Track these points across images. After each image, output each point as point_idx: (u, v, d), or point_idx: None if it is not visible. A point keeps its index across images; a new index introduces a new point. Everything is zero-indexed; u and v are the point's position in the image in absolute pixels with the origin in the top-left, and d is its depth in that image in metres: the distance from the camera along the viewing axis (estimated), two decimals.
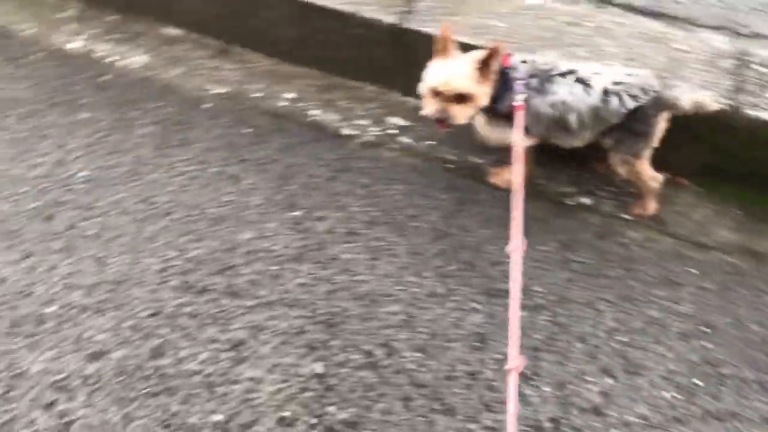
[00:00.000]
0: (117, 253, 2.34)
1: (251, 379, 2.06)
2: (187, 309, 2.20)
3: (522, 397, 2.01)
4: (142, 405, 2.00)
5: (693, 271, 2.29)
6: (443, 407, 2.00)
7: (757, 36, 2.60)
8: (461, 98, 2.15)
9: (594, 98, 2.09)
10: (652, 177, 2.31)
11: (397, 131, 2.72)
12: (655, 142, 2.22)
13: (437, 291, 2.24)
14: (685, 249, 2.34)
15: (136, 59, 2.96)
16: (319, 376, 2.06)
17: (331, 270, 2.29)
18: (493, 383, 2.04)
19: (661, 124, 2.19)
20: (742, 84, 2.35)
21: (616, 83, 2.09)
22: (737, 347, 2.11)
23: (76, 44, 3.02)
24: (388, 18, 2.52)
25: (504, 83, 2.17)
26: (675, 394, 2.02)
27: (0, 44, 3.02)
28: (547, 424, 1.94)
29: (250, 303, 2.21)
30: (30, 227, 2.40)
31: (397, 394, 2.02)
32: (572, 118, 2.14)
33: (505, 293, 2.19)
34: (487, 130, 2.35)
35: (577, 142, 2.25)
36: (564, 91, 2.11)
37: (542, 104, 2.15)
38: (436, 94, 2.16)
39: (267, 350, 2.11)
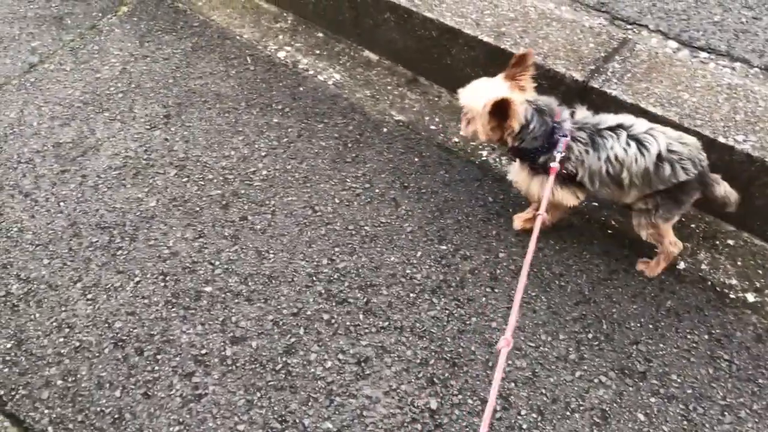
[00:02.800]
0: (276, 250, 2.51)
1: (368, 397, 2.13)
2: (325, 316, 2.32)
3: None
4: (265, 396, 2.14)
5: None
6: None
7: None
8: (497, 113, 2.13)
9: (647, 161, 2.04)
10: (674, 242, 2.28)
11: None
12: (687, 209, 2.28)
13: (569, 356, 2.19)
14: None
15: (332, 76, 3.16)
16: (432, 412, 2.09)
17: (466, 310, 2.31)
18: None
19: (696, 196, 2.17)
20: None
21: (670, 151, 2.04)
22: None
23: (282, 54, 3.29)
24: (576, 74, 2.50)
25: (551, 138, 2.15)
26: None
27: (218, 44, 3.36)
28: None
29: (382, 324, 2.29)
30: (208, 211, 2.65)
31: None
32: (624, 175, 2.10)
33: (641, 375, 2.12)
34: (524, 183, 2.30)
35: (625, 199, 2.22)
36: (618, 148, 2.07)
37: (596, 161, 2.11)
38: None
39: (389, 373, 2.18)
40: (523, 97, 2.14)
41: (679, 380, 2.12)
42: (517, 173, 2.32)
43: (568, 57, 2.58)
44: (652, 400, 2.08)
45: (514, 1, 2.86)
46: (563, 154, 2.11)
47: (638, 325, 2.24)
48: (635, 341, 2.21)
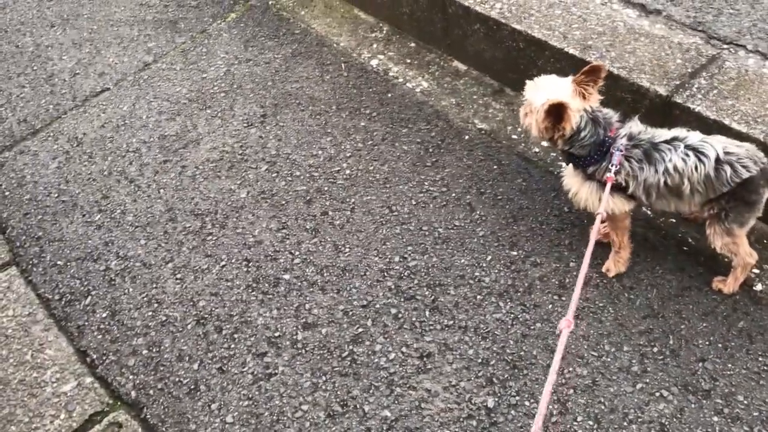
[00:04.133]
0: (352, 244, 2.63)
1: (428, 390, 2.20)
2: (393, 310, 2.41)
3: None
4: (330, 380, 2.25)
5: None
6: None
7: None
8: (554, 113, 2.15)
9: (707, 166, 2.05)
10: (749, 252, 2.23)
11: None
12: (760, 212, 2.16)
13: (631, 368, 2.17)
14: None
15: (421, 84, 3.26)
16: (489, 410, 2.13)
17: (531, 315, 2.34)
18: None
19: (766, 195, 2.13)
20: None
21: (727, 153, 2.05)
22: None
23: (375, 61, 3.42)
24: (660, 89, 2.49)
25: (604, 149, 2.17)
26: None
27: (316, 50, 3.54)
28: None
29: (447, 322, 2.35)
30: (293, 205, 2.80)
31: None
32: (685, 185, 2.10)
33: (705, 393, 2.08)
34: (575, 188, 2.31)
35: (685, 207, 2.22)
36: (676, 159, 2.08)
37: (653, 175, 2.12)
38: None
39: (449, 370, 2.24)
40: (583, 104, 2.17)
41: (745, 402, 2.06)
42: (569, 177, 2.35)
43: (654, 72, 2.57)
44: (715, 419, 2.04)
45: (604, 16, 2.87)
46: (617, 167, 2.14)
47: (707, 343, 2.20)
48: (702, 359, 2.17)
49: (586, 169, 2.24)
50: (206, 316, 2.47)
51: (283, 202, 2.82)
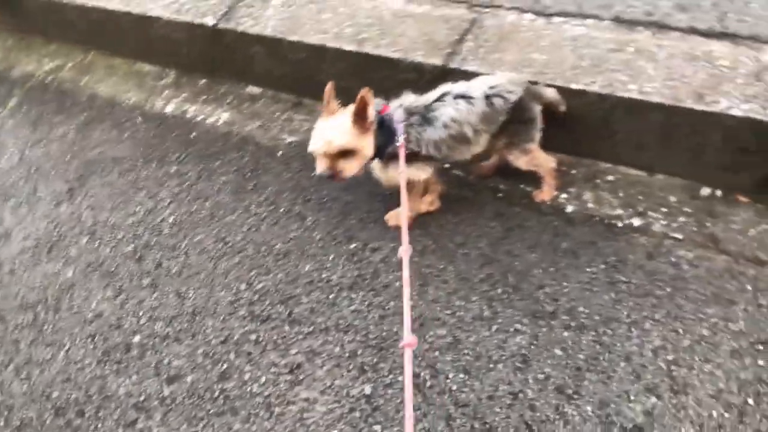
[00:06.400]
0: (195, 287, 2.59)
1: (306, 399, 2.21)
2: (252, 336, 2.40)
3: (562, 416, 2.04)
4: (208, 424, 2.21)
5: (747, 287, 2.22)
6: (484, 427, 2.06)
7: None
8: (347, 153, 2.29)
9: (479, 106, 2.29)
10: (547, 159, 2.53)
11: (448, 166, 2.80)
12: (541, 123, 2.42)
13: (483, 314, 2.31)
14: (739, 266, 2.28)
15: (221, 116, 3.28)
16: (368, 397, 2.18)
17: (383, 296, 2.42)
18: (535, 403, 2.08)
19: (538, 109, 2.40)
20: None
21: (491, 87, 2.31)
22: None
23: (170, 107, 3.40)
24: (435, 60, 2.67)
25: (388, 129, 2.32)
26: (724, 413, 1.97)
27: (108, 112, 3.46)
28: None
29: (308, 329, 2.38)
30: (124, 267, 2.72)
31: (440, 414, 2.10)
32: (467, 129, 2.32)
33: (551, 314, 2.25)
34: (386, 175, 2.45)
35: (478, 148, 2.42)
36: (450, 110, 2.29)
37: (435, 131, 2.31)
38: (324, 153, 2.30)
39: (321, 373, 2.27)
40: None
41: (586, 311, 2.26)
42: (377, 170, 2.48)
43: (426, 47, 2.75)
44: (566, 334, 2.21)
45: (369, 7, 3.03)
46: (405, 135, 2.30)
47: (540, 271, 2.38)
48: (540, 286, 2.34)
49: (385, 153, 2.36)
50: (63, 405, 2.34)
51: (113, 268, 2.73)
